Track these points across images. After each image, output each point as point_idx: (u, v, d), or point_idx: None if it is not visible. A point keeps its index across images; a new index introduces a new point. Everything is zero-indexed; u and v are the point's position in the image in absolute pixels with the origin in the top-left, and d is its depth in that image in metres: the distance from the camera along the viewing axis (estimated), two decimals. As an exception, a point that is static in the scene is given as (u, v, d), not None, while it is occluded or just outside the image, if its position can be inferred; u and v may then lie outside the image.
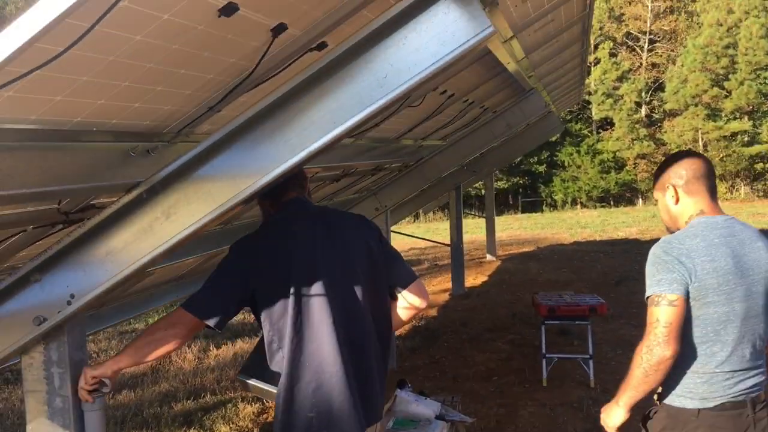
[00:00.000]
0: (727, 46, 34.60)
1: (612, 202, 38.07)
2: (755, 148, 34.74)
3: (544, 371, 5.68)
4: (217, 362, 7.02)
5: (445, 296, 9.90)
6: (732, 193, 36.09)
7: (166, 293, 5.19)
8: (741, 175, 36.61)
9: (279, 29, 1.97)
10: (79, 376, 2.19)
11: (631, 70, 40.68)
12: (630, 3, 41.92)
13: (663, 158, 2.80)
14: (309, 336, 2.27)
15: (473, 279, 11.23)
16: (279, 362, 2.30)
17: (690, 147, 36.91)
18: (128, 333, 8.57)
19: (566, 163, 39.17)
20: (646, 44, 41.55)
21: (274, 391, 2.31)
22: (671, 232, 2.38)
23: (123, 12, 1.40)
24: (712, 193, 2.36)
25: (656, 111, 40.24)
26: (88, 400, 2.18)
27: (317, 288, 2.28)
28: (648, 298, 2.20)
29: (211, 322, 2.27)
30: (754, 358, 2.24)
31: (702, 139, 36.38)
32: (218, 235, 4.28)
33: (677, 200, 2.36)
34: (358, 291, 2.35)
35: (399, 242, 13.37)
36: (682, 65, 36.69)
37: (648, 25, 41.23)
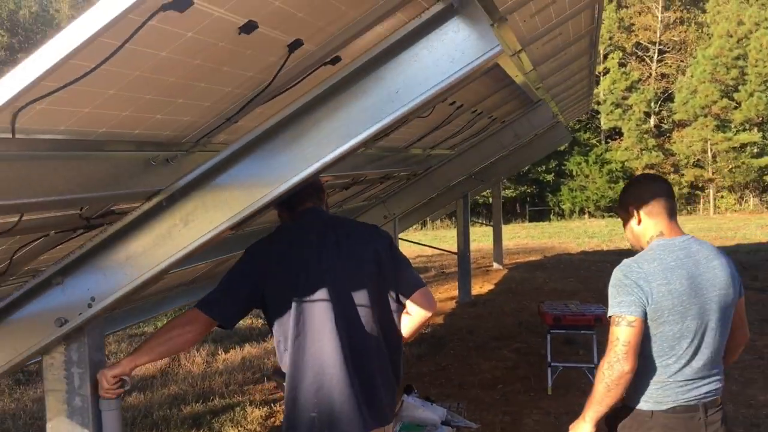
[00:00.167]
0: (737, 57, 34.60)
1: (620, 212, 38.00)
2: (764, 160, 34.66)
3: (549, 380, 5.73)
4: (226, 366, 7.10)
5: (452, 304, 9.95)
6: (741, 205, 36.00)
7: (176, 297, 5.27)
8: (750, 187, 36.51)
9: (295, 45, 2.04)
10: (98, 376, 2.27)
11: (640, 80, 40.69)
12: (640, 13, 41.97)
13: (627, 181, 2.95)
14: (311, 338, 2.38)
15: (480, 287, 11.29)
16: (286, 363, 2.43)
17: (699, 158, 36.87)
18: (137, 336, 8.66)
19: (574, 173, 39.16)
20: (656, 54, 41.57)
21: None
22: (635, 250, 2.56)
23: (150, 30, 1.48)
24: (672, 214, 2.53)
25: (665, 121, 40.22)
26: (111, 398, 2.26)
27: (321, 293, 2.39)
28: (610, 317, 2.39)
29: (222, 321, 2.42)
30: (709, 368, 2.43)
31: (711, 150, 36.32)
32: (230, 241, 4.35)
33: (639, 221, 2.53)
34: (364, 298, 2.43)
35: (406, 249, 13.39)
36: (692, 76, 36.67)
37: (658, 35, 41.26)
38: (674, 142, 38.33)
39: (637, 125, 38.64)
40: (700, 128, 35.81)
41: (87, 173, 1.90)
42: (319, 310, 2.39)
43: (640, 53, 42.29)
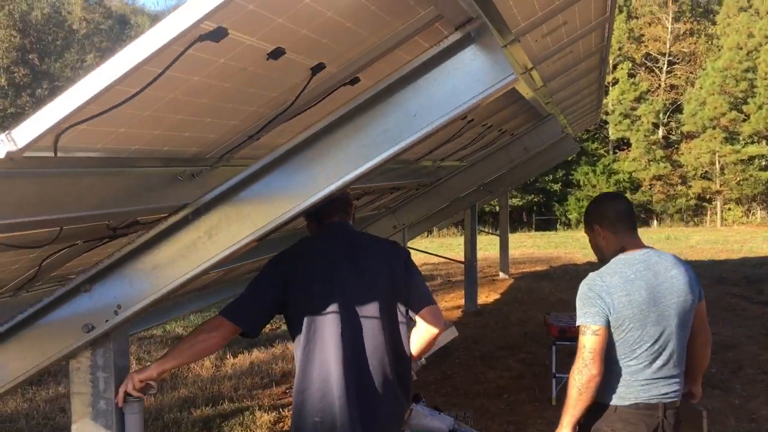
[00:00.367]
0: (746, 70, 34.61)
1: (627, 223, 37.97)
2: (772, 173, 34.60)
3: (553, 390, 5.80)
4: (234, 371, 7.19)
5: (458, 313, 10.02)
6: (748, 217, 35.96)
7: (189, 302, 5.36)
8: (757, 200, 36.47)
9: (318, 68, 2.14)
10: (122, 380, 2.36)
11: (649, 91, 40.73)
12: (650, 24, 42.02)
13: (591, 198, 3.12)
14: (320, 348, 2.50)
15: (486, 296, 11.35)
16: (297, 368, 2.56)
17: (706, 170, 36.84)
18: (146, 338, 8.77)
19: (581, 182, 39.19)
20: (665, 65, 41.59)
21: None
22: (602, 262, 2.78)
23: (187, 58, 1.57)
24: (633, 229, 2.78)
25: (673, 132, 40.22)
26: (119, 403, 2.35)
27: (333, 305, 2.50)
28: (578, 327, 2.63)
29: (245, 328, 2.54)
30: (670, 369, 2.66)
31: (719, 162, 36.29)
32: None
33: (603, 238, 2.78)
34: (374, 311, 2.53)
35: (413, 257, 13.50)
36: (701, 87, 36.70)
37: (667, 46, 41.29)
38: (682, 154, 38.33)
39: (645, 136, 38.68)
40: (709, 140, 35.81)
41: (119, 188, 2.00)
42: (329, 321, 2.50)
43: (649, 64, 42.32)
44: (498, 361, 7.25)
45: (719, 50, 37.93)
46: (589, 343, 2.58)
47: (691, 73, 40.96)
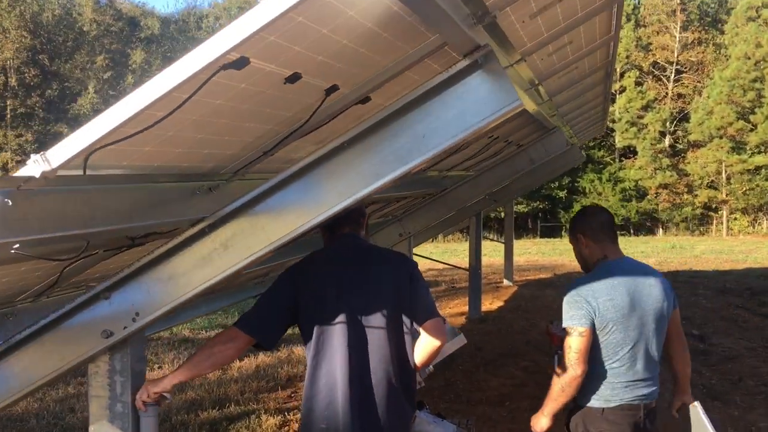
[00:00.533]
0: (754, 80, 34.58)
1: (632, 231, 37.99)
2: (779, 183, 34.54)
3: (555, 399, 5.86)
4: (240, 374, 7.28)
5: (462, 320, 10.09)
6: (754, 227, 35.90)
7: (195, 307, 5.44)
8: (764, 209, 36.42)
9: (331, 89, 2.24)
10: (138, 385, 2.46)
11: (656, 99, 40.73)
12: (658, 33, 42.03)
13: (576, 208, 3.31)
14: (328, 357, 2.60)
15: (489, 303, 11.42)
16: (308, 375, 2.66)
17: (713, 179, 36.81)
18: (153, 340, 8.87)
19: (587, 190, 39.21)
20: (673, 74, 41.59)
21: None
22: (585, 270, 3.01)
23: (211, 84, 1.68)
24: (614, 239, 3.00)
25: (680, 141, 40.20)
26: (142, 408, 2.45)
27: (341, 316, 2.60)
28: (564, 329, 2.84)
29: (260, 339, 2.63)
30: (648, 371, 2.86)
31: (725, 171, 36.26)
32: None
33: (586, 246, 2.98)
34: (380, 323, 2.62)
35: (418, 264, 13.58)
36: (708, 97, 36.71)
37: (675, 55, 41.29)
38: (689, 163, 38.31)
39: (651, 144, 38.68)
40: (715, 149, 35.80)
41: (142, 203, 2.10)
42: (337, 331, 2.60)
43: (657, 72, 42.33)
44: (501, 369, 7.32)
45: (727, 60, 37.92)
46: (575, 343, 2.78)
47: (699, 82, 40.95)
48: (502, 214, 19.96)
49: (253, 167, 2.60)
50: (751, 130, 34.71)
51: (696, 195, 37.80)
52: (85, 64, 38.18)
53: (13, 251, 1.69)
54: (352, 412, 2.55)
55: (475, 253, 10.23)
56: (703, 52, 41.32)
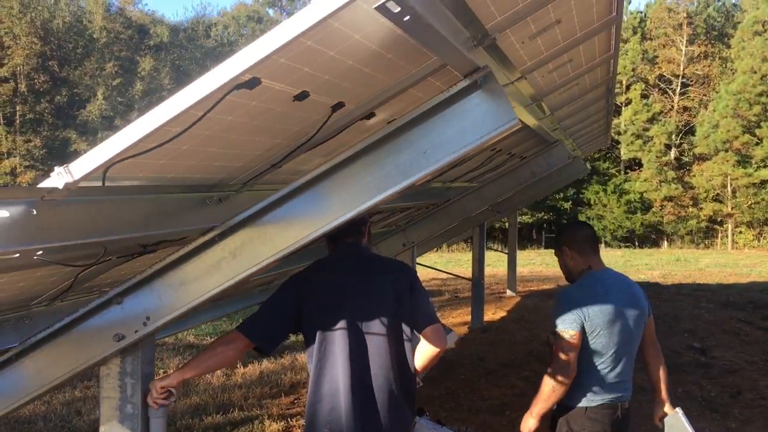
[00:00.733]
0: (760, 94, 34.63)
1: (637, 243, 37.96)
2: (784, 197, 34.49)
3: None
4: (244, 380, 7.37)
5: (464, 329, 10.15)
6: (759, 241, 35.82)
7: (202, 313, 5.53)
8: (769, 223, 36.34)
9: (337, 106, 2.34)
10: (148, 387, 2.56)
11: (662, 112, 40.80)
12: (664, 46, 42.15)
13: (558, 224, 3.46)
14: (331, 363, 2.69)
15: (492, 313, 11.48)
16: (311, 381, 2.75)
17: (718, 192, 36.81)
18: (159, 346, 8.96)
19: (592, 201, 39.24)
20: (679, 87, 41.66)
21: None
22: (569, 281, 3.23)
23: (224, 102, 1.78)
24: (597, 251, 3.24)
25: (686, 154, 40.22)
26: (154, 407, 2.55)
27: (342, 323, 2.69)
28: (554, 333, 3.02)
29: (259, 344, 2.72)
30: (625, 374, 3.09)
31: (731, 184, 36.25)
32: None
33: (572, 258, 3.19)
34: (380, 330, 2.71)
35: (422, 273, 13.64)
36: (714, 110, 36.74)
37: (681, 68, 41.37)
38: (694, 176, 38.33)
39: (657, 157, 38.73)
40: (721, 163, 35.81)
41: (155, 212, 2.20)
42: (338, 339, 2.69)
43: (662, 85, 42.42)
44: (502, 379, 7.39)
45: (733, 73, 37.98)
46: (565, 347, 2.97)
47: (705, 95, 41.01)
48: (507, 225, 20.05)
49: (261, 179, 2.70)
50: (757, 144, 34.73)
51: (701, 208, 37.80)
52: (94, 70, 38.48)
53: (35, 257, 1.79)
54: (354, 417, 2.64)
55: (478, 264, 10.32)
56: (709, 66, 41.41)
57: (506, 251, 14.91)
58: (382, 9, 1.43)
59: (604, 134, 10.67)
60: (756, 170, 34.92)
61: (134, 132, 1.67)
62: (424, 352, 2.75)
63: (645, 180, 38.88)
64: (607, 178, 40.16)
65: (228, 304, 5.70)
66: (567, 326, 2.99)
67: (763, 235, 36.44)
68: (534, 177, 6.75)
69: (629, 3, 43.88)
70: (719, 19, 43.62)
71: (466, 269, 15.20)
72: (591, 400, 3.06)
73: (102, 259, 2.24)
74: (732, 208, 36.67)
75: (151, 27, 44.25)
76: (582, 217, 38.73)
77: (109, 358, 2.54)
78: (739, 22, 40.24)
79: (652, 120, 39.59)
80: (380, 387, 2.68)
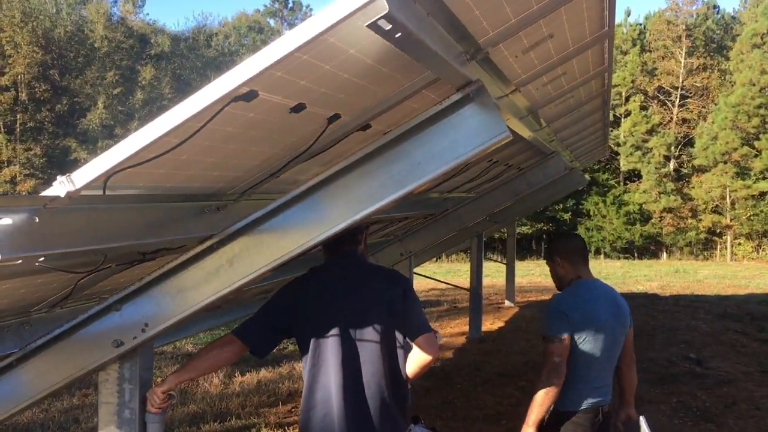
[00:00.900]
0: (759, 106, 34.72)
1: (636, 254, 37.98)
2: (783, 209, 34.53)
3: (551, 419, 5.95)
4: (242, 388, 7.39)
5: (462, 339, 10.18)
6: (758, 253, 35.83)
7: (200, 321, 5.57)
8: (768, 235, 36.37)
9: (334, 118, 2.40)
10: (146, 392, 2.60)
11: (661, 123, 40.90)
12: (663, 58, 42.31)
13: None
14: (324, 370, 2.73)
15: (490, 324, 11.51)
16: (305, 387, 2.79)
17: (717, 204, 36.88)
18: (157, 354, 8.99)
19: (591, 212, 39.28)
20: (678, 99, 41.79)
21: None
22: (559, 289, 3.36)
23: (223, 114, 1.84)
24: (586, 262, 3.38)
25: (685, 166, 40.30)
26: (157, 412, 2.59)
27: (335, 330, 2.74)
28: (546, 338, 3.14)
29: (253, 348, 2.78)
30: (607, 379, 3.26)
31: (730, 196, 36.32)
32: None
33: (561, 267, 3.35)
34: (373, 337, 2.75)
35: (420, 283, 13.69)
36: (713, 122, 36.84)
37: (680, 80, 41.52)
38: (693, 187, 38.38)
39: (656, 168, 38.80)
40: (720, 174, 35.88)
41: (154, 221, 2.25)
42: (331, 346, 2.73)
43: (662, 97, 42.55)
44: (498, 389, 7.41)
45: (732, 86, 38.10)
46: (557, 351, 3.10)
47: (704, 107, 41.11)
48: (506, 235, 20.09)
49: (259, 188, 2.75)
50: (756, 156, 34.81)
51: (700, 219, 37.84)
52: (95, 79, 38.61)
53: (37, 264, 1.84)
54: (347, 423, 2.67)
55: (476, 274, 10.35)
56: (708, 78, 41.54)
57: (505, 262, 14.94)
58: (374, 27, 1.48)
59: (601, 146, 10.73)
60: (755, 182, 34.98)
61: (135, 142, 1.73)
62: (416, 360, 2.79)
63: (644, 191, 38.94)
64: (606, 189, 40.21)
65: (226, 312, 5.74)
66: (557, 332, 3.12)
67: (762, 247, 36.45)
68: (531, 188, 6.80)
69: (628, 15, 44.06)
70: (718, 32, 43.83)
71: (464, 279, 15.22)
72: (576, 403, 3.18)
73: (102, 267, 2.28)
74: (731, 220, 36.72)
75: (152, 36, 44.45)
76: (581, 228, 38.78)
77: (108, 364, 2.58)
78: (737, 35, 40.42)
79: (651, 132, 39.69)
80: (373, 394, 2.72)
